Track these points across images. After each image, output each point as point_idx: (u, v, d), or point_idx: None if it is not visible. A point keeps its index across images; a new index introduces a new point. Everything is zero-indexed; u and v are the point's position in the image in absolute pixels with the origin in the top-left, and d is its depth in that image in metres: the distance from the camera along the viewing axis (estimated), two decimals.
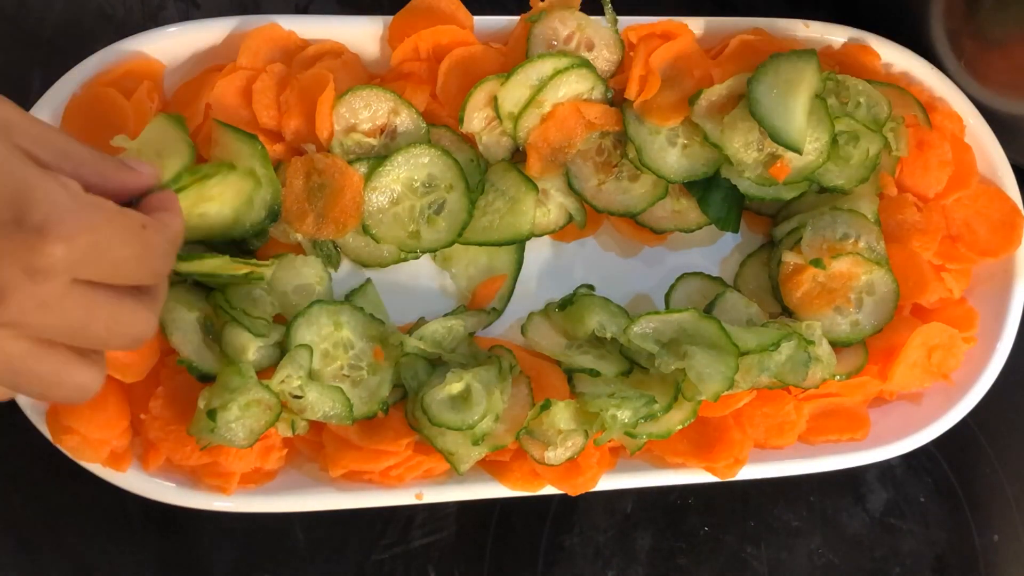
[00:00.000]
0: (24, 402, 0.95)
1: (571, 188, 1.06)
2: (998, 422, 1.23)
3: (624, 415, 0.96)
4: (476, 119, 1.04)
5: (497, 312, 1.06)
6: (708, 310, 1.05)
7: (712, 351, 0.97)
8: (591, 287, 1.08)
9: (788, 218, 1.11)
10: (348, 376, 0.99)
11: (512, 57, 1.05)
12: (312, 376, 0.96)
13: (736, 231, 1.11)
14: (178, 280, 0.96)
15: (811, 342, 0.99)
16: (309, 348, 0.96)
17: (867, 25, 1.14)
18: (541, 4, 1.06)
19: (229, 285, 0.95)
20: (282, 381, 0.94)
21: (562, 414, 0.96)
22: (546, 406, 0.96)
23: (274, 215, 0.94)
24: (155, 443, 0.95)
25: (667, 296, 1.09)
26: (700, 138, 1.05)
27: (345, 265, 1.06)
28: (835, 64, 1.12)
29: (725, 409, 1.01)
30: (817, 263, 1.04)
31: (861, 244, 1.06)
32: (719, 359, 0.95)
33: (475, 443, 0.96)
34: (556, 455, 0.98)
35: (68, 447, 0.93)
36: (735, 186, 1.07)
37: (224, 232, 0.92)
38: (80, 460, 0.94)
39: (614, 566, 1.16)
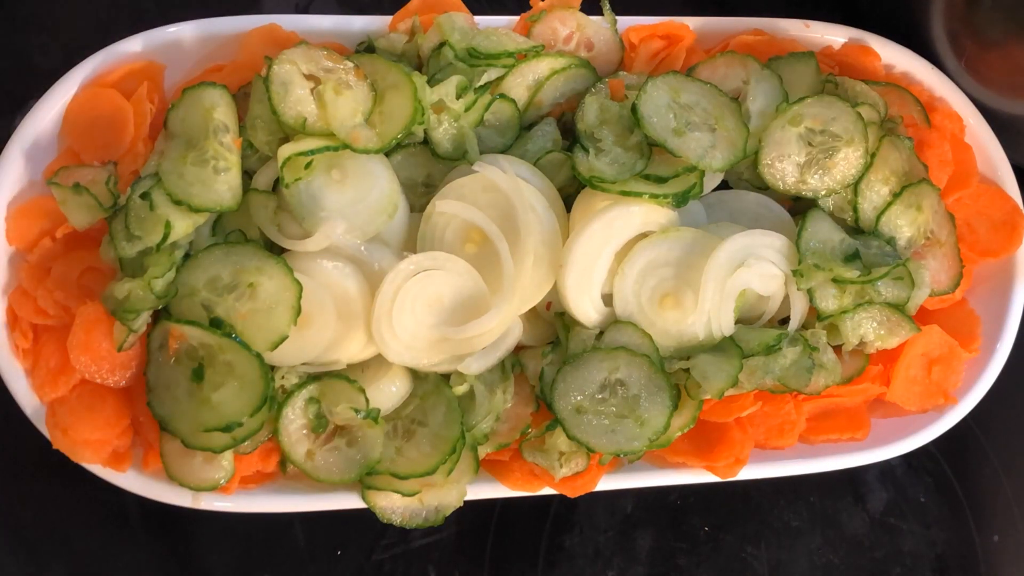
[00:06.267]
0: (24, 402, 0.95)
1: None
2: (998, 422, 1.23)
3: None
4: None
5: None
6: None
7: (716, 351, 0.97)
8: None
9: None
10: None
11: None
12: None
13: None
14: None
15: (815, 348, 0.99)
16: None
17: (867, 25, 1.14)
18: (541, 4, 1.06)
19: None
20: (283, 377, 0.95)
21: (564, 435, 0.96)
22: (551, 426, 0.96)
23: None
24: (155, 443, 0.95)
25: None
26: None
27: None
28: (835, 64, 1.12)
29: (729, 416, 1.01)
30: None
31: None
32: (723, 359, 0.96)
33: (477, 443, 0.96)
34: (558, 474, 0.98)
35: (68, 447, 0.93)
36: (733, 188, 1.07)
37: None
38: (80, 460, 0.94)
39: (614, 566, 1.16)
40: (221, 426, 0.88)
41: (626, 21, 1.08)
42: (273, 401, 0.92)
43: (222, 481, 0.94)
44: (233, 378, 0.89)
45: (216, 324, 0.90)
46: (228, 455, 0.94)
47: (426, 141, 1.00)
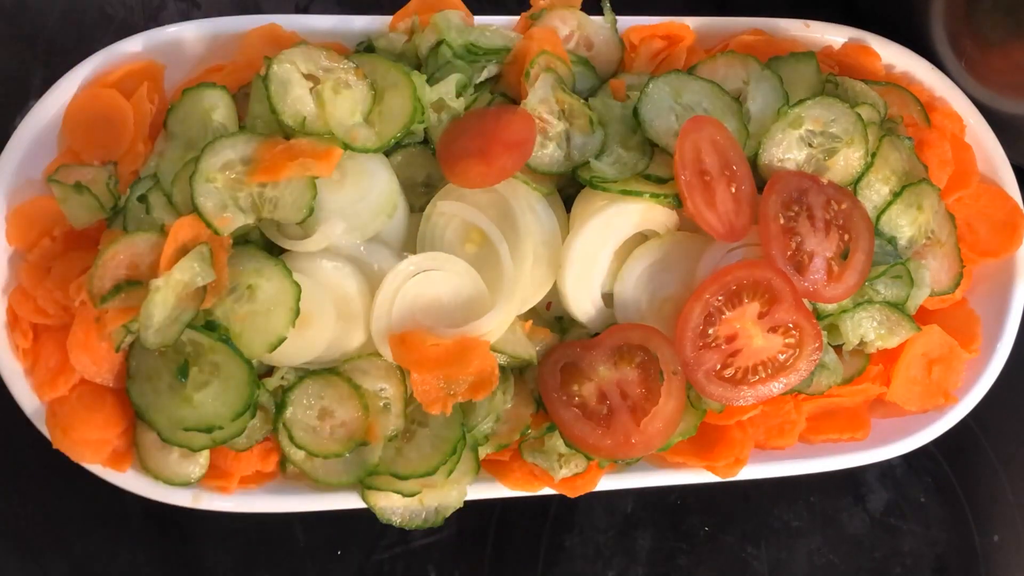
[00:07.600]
0: (24, 402, 0.95)
1: None
2: (998, 422, 1.23)
3: None
4: None
5: None
6: None
7: None
8: None
9: None
10: None
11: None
12: None
13: None
14: None
15: None
16: None
17: (867, 25, 1.14)
18: (542, 3, 1.06)
19: None
20: (282, 377, 0.94)
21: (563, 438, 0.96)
22: (551, 428, 0.96)
23: None
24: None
25: None
26: None
27: None
28: (835, 64, 1.12)
29: (730, 419, 1.01)
30: None
31: None
32: None
33: (477, 444, 0.96)
34: (558, 475, 0.98)
35: (68, 447, 0.93)
36: None
37: None
38: (80, 460, 0.94)
39: (614, 566, 1.16)
40: (201, 427, 0.89)
41: (626, 21, 1.08)
42: (255, 408, 0.92)
43: (195, 478, 0.94)
44: (218, 380, 0.90)
45: (210, 327, 0.90)
46: (205, 452, 0.94)
47: (426, 141, 1.00)
